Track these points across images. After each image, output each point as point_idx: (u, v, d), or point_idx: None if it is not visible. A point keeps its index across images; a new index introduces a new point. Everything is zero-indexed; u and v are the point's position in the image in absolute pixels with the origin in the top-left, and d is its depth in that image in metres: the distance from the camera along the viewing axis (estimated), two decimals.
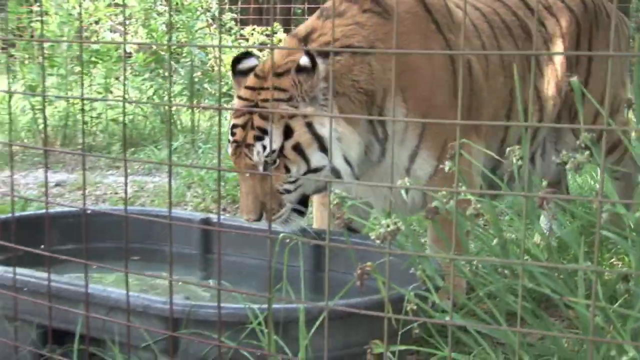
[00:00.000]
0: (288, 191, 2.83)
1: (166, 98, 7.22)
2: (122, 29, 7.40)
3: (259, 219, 2.78)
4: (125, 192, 2.23)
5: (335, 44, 2.84)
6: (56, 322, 2.34)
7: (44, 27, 6.88)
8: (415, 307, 1.91)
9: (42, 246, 2.39)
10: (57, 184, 5.73)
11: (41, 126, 6.65)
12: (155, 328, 2.18)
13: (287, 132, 2.77)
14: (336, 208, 1.86)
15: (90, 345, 2.31)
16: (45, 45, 6.90)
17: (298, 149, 2.79)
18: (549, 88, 3.33)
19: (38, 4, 6.81)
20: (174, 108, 7.24)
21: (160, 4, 7.29)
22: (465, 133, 2.87)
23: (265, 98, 2.81)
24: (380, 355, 1.85)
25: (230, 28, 9.43)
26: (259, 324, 2.07)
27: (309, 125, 2.78)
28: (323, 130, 2.76)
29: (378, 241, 1.81)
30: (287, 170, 2.79)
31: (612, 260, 3.44)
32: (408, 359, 2.47)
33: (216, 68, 7.43)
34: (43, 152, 2.38)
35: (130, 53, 7.42)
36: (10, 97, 2.38)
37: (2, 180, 5.82)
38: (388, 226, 1.78)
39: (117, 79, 7.57)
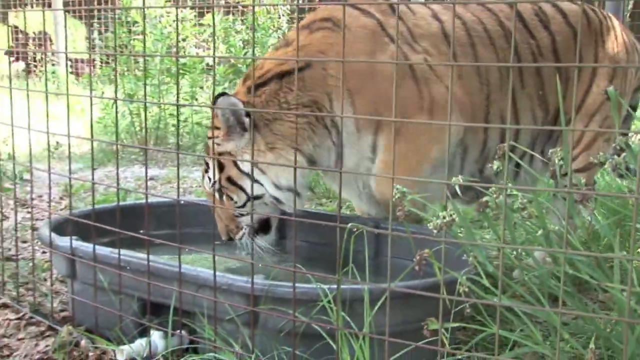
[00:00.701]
0: (242, 215, 2.86)
1: None
2: (205, 45, 7.46)
3: (228, 239, 2.88)
4: (213, 186, 2.24)
5: (267, 75, 2.81)
6: (154, 296, 2.38)
7: (139, 44, 7.01)
8: (466, 289, 1.87)
9: (141, 231, 2.40)
10: (151, 178, 5.81)
11: (138, 128, 6.76)
12: (238, 304, 2.18)
13: (221, 167, 2.81)
14: (398, 201, 1.83)
15: (182, 316, 2.34)
16: (142, 59, 7.03)
17: (231, 180, 2.82)
18: (532, 99, 3.02)
19: (137, 24, 6.93)
20: None
21: (238, 24, 7.33)
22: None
23: (209, 135, 2.88)
24: (435, 331, 1.82)
25: None
26: (329, 302, 2.05)
27: (234, 162, 2.79)
28: (243, 166, 2.77)
29: (435, 231, 1.79)
30: (232, 198, 2.84)
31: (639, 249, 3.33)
32: (457, 334, 2.42)
33: None
34: (143, 150, 2.40)
35: (211, 66, 7.48)
36: (115, 103, 2.41)
37: (106, 174, 5.91)
38: (444, 218, 1.75)
39: (201, 87, 7.64)
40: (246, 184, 2.78)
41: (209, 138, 2.89)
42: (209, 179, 2.88)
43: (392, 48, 2.74)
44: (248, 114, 2.72)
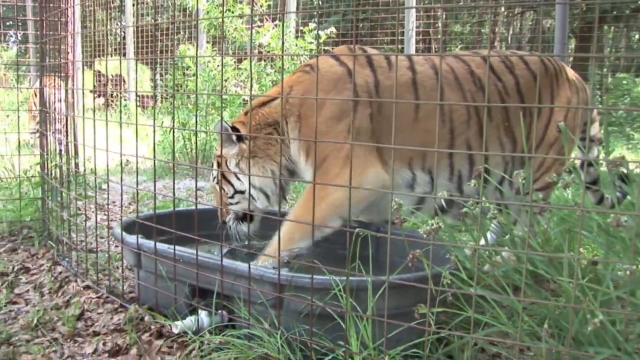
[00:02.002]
0: (231, 204, 2.88)
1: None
2: (242, 84, 7.43)
3: (222, 222, 2.90)
4: (249, 197, 2.19)
5: (255, 105, 2.86)
6: (201, 283, 2.33)
7: (191, 84, 7.00)
8: (449, 282, 1.81)
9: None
10: (199, 189, 5.77)
11: (189, 150, 6.73)
12: (267, 290, 2.13)
13: (219, 165, 2.86)
14: (396, 211, 1.77)
15: (223, 300, 2.30)
16: (193, 95, 7.01)
17: (224, 176, 2.85)
18: (500, 129, 2.86)
19: (190, 69, 6.91)
20: None
21: (268, 68, 7.30)
22: (364, 156, 2.62)
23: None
24: (423, 315, 1.77)
25: None
26: (339, 290, 2.00)
27: (226, 162, 2.84)
28: (231, 166, 2.82)
29: (425, 235, 1.74)
30: (224, 189, 2.86)
31: (581, 249, 3.24)
32: (440, 317, 2.36)
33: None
34: (194, 168, 2.39)
35: (247, 101, 7.45)
36: (172, 130, 2.38)
37: (164, 186, 5.88)
38: (432, 225, 1.70)
39: None
40: (233, 180, 2.84)
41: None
42: (213, 175, 2.97)
43: (348, 93, 2.64)
44: (235, 131, 2.78)
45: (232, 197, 2.86)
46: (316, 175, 2.55)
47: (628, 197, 2.92)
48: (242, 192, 2.82)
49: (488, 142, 2.83)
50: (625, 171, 1.90)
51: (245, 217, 2.89)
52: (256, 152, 2.78)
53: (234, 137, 2.78)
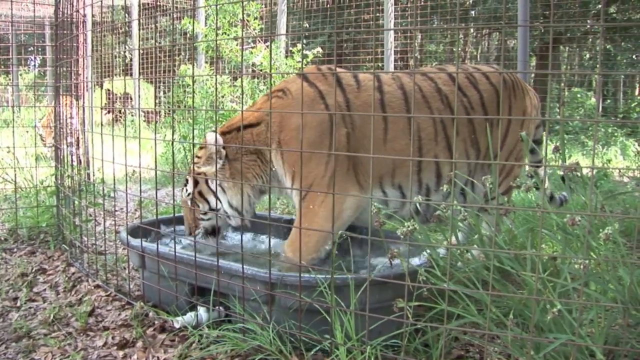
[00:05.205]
0: (203, 219, 2.71)
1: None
2: (237, 100, 7.40)
3: (189, 235, 2.71)
4: (241, 203, 2.17)
5: (233, 126, 2.68)
6: (200, 282, 2.31)
7: (191, 100, 6.95)
8: (424, 278, 1.80)
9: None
10: None
11: (189, 160, 6.69)
12: (260, 288, 2.11)
13: (196, 183, 2.68)
14: (376, 215, 1.76)
15: (220, 297, 2.27)
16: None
17: (201, 194, 2.67)
18: (466, 142, 2.76)
19: (189, 86, 6.88)
20: None
21: (261, 85, 7.27)
22: (344, 180, 2.48)
23: (194, 161, 2.75)
24: (402, 308, 1.75)
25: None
26: (325, 287, 1.98)
27: (206, 181, 2.66)
28: (212, 185, 2.64)
29: (402, 236, 1.73)
30: (199, 206, 2.68)
31: (542, 245, 3.25)
32: (417, 310, 2.34)
33: None
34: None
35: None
36: (172, 143, 2.37)
37: (166, 193, 5.83)
38: (409, 227, 1.69)
39: None
40: (210, 198, 2.66)
41: (194, 163, 2.74)
42: (186, 191, 2.75)
43: (323, 113, 2.52)
44: (224, 148, 2.62)
45: (205, 213, 2.69)
46: (303, 204, 2.45)
47: (571, 196, 2.91)
48: (217, 210, 2.65)
49: (456, 155, 2.74)
50: (562, 173, 1.90)
51: (213, 231, 2.75)
52: (235, 174, 2.63)
53: (222, 154, 2.61)
